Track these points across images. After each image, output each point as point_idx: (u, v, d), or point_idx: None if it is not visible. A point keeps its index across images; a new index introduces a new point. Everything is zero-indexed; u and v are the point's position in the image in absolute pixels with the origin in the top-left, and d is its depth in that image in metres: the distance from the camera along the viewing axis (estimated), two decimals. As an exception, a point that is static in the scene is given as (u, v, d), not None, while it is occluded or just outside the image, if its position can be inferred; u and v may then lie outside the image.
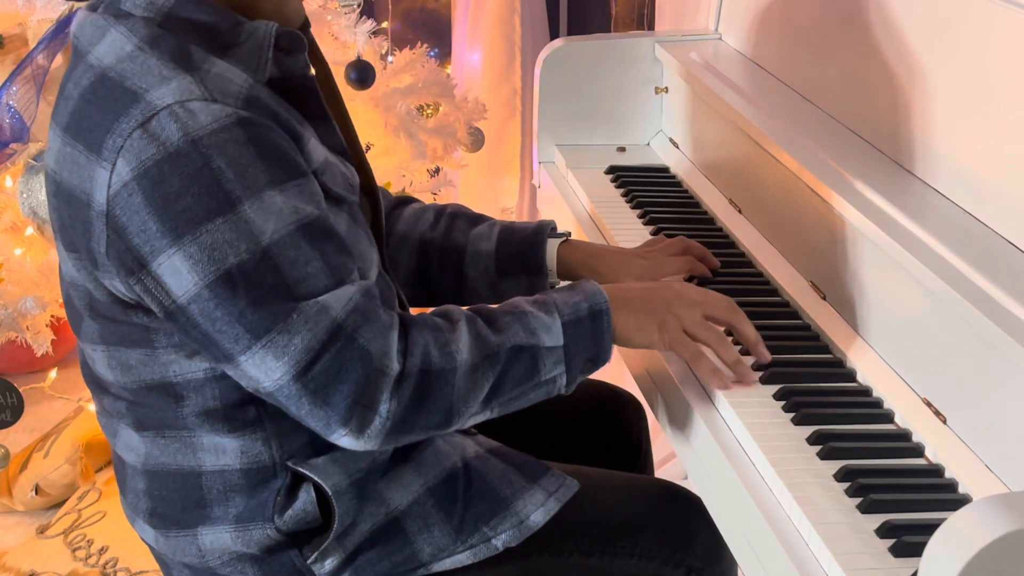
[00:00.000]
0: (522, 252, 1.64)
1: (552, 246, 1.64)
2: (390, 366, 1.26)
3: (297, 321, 1.23)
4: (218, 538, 1.38)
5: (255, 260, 1.22)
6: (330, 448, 1.36)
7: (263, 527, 1.37)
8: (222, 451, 1.36)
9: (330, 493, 1.36)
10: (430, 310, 1.38)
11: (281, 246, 1.24)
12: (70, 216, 1.29)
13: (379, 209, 1.53)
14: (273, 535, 1.37)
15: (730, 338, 1.50)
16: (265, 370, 1.24)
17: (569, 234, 1.68)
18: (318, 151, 1.35)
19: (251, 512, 1.37)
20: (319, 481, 1.36)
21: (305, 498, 1.36)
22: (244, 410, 1.34)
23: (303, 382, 1.24)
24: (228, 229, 1.22)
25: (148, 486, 1.41)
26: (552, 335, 1.35)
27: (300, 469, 1.36)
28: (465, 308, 1.35)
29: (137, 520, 1.45)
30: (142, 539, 1.49)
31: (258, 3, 1.35)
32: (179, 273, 1.23)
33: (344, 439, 1.27)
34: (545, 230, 1.65)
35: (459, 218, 1.67)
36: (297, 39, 1.35)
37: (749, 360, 1.49)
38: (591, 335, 1.37)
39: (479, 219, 1.68)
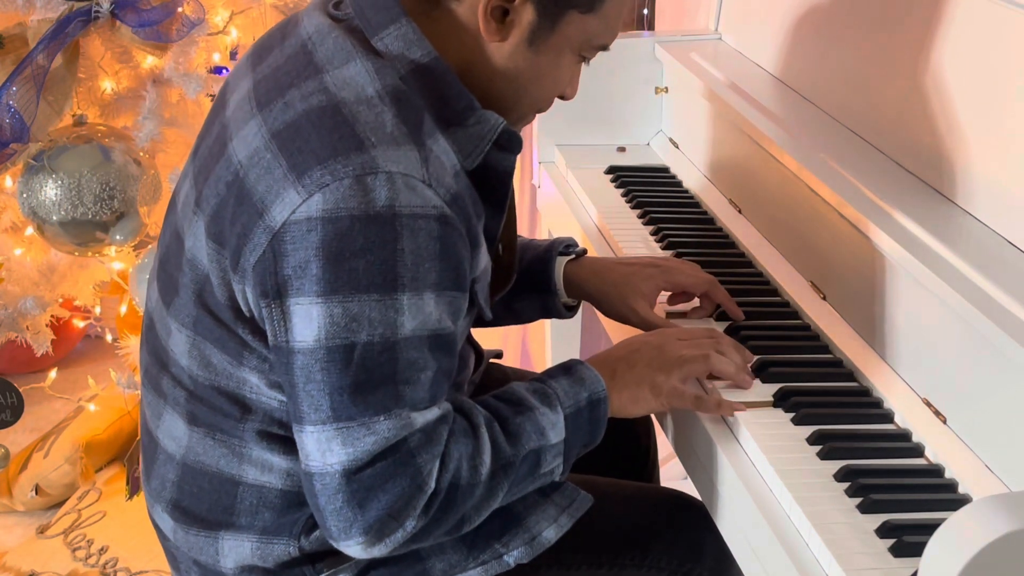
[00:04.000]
0: (532, 272, 1.63)
1: (560, 264, 1.63)
2: (429, 484, 1.24)
3: (382, 424, 1.22)
4: (239, 546, 1.37)
5: (381, 347, 1.21)
6: None
7: (287, 543, 1.36)
8: (268, 468, 1.34)
9: None
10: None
11: (409, 344, 1.22)
12: (235, 213, 1.26)
13: (507, 286, 1.52)
14: (294, 552, 1.36)
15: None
16: (323, 451, 1.22)
17: (584, 251, 1.66)
18: (483, 258, 1.35)
19: (278, 528, 1.36)
20: None
21: None
22: None
23: (349, 479, 1.22)
24: (377, 308, 1.20)
25: (180, 478, 1.39)
26: (556, 431, 1.34)
27: None
28: (481, 408, 1.33)
29: (156, 507, 1.43)
30: (156, 527, 1.47)
31: (500, 102, 1.35)
32: (309, 322, 1.21)
33: (355, 547, 1.25)
34: (555, 248, 1.64)
35: None
36: (517, 142, 1.34)
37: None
38: (589, 424, 1.37)
39: None
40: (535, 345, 2.94)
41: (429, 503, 1.25)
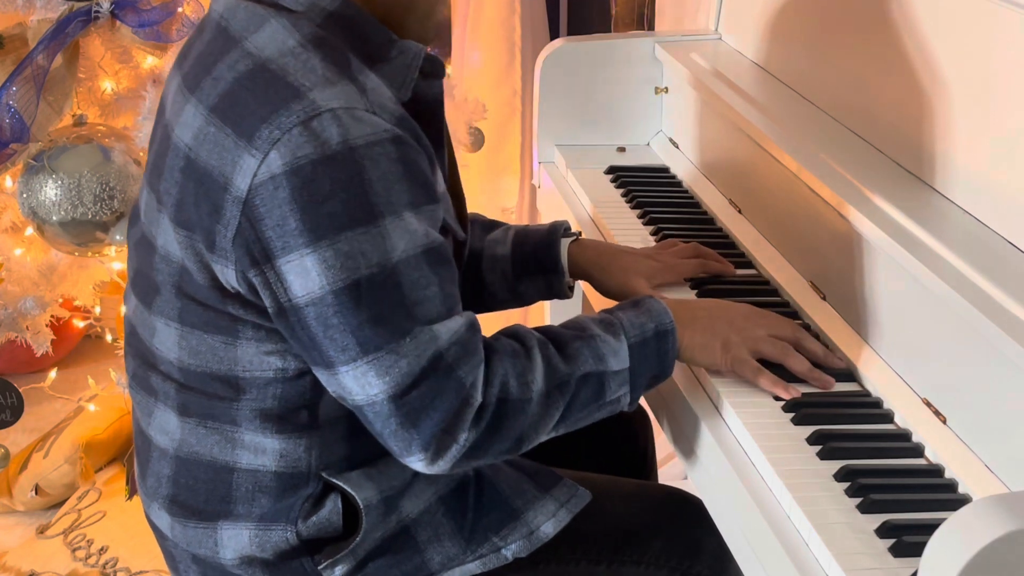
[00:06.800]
0: (537, 253, 1.67)
1: (564, 245, 1.67)
2: (475, 396, 1.27)
3: (408, 345, 1.24)
4: (237, 535, 1.38)
5: (383, 275, 1.23)
6: (365, 463, 1.37)
7: (284, 529, 1.37)
8: (261, 451, 1.35)
9: (361, 506, 1.36)
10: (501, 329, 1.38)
11: (407, 266, 1.24)
12: (197, 195, 1.27)
13: (467, 238, 1.53)
14: (292, 539, 1.37)
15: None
16: (363, 384, 1.25)
17: (580, 234, 1.71)
18: (440, 180, 1.37)
19: (275, 514, 1.37)
20: (352, 493, 1.36)
21: (331, 507, 1.37)
22: (297, 414, 1.34)
23: (397, 404, 1.25)
24: (366, 240, 1.22)
25: (175, 473, 1.40)
26: (619, 358, 1.36)
27: (334, 480, 1.36)
28: (536, 331, 1.36)
29: (153, 505, 1.44)
30: (152, 526, 1.47)
31: (404, 23, 1.37)
32: (307, 274, 1.23)
33: (419, 463, 1.28)
34: (558, 231, 1.68)
35: (474, 224, 1.69)
36: (439, 65, 1.37)
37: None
38: (656, 355, 1.38)
39: (493, 225, 1.72)
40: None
41: (479, 416, 1.27)
